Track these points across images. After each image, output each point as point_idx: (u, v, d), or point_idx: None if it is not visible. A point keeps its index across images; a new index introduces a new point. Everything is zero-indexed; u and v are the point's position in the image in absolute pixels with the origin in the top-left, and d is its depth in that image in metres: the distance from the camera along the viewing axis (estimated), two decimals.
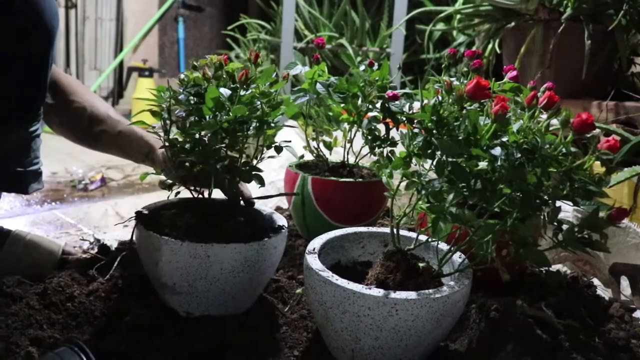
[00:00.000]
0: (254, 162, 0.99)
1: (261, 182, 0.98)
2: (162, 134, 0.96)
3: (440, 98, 0.80)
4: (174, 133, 0.95)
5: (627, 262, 1.23)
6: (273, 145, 1.00)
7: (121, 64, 4.17)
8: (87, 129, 1.17)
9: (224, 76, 0.94)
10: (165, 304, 0.97)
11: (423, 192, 0.78)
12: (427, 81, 0.95)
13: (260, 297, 1.03)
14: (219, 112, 0.90)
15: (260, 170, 0.98)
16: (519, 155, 0.75)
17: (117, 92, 4.22)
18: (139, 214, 0.98)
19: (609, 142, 0.72)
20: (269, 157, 1.01)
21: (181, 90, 0.93)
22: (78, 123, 1.17)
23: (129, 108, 4.08)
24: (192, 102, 0.92)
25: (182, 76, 0.96)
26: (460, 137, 0.77)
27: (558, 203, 0.78)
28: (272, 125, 0.96)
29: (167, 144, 0.95)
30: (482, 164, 0.75)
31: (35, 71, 1.02)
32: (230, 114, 0.88)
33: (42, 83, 1.04)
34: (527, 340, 0.89)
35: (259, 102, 0.93)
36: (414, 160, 0.85)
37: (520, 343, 0.88)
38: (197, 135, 0.93)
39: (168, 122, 0.94)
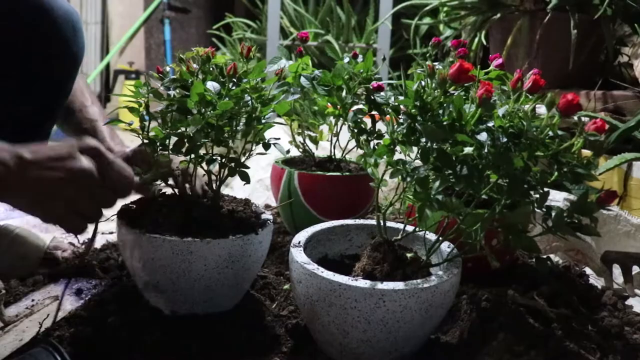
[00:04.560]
0: (242, 158, 0.97)
1: (246, 178, 0.95)
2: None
3: (423, 83, 0.78)
4: (152, 129, 0.92)
5: (619, 250, 1.22)
6: (261, 142, 0.98)
7: (107, 67, 4.13)
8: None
9: (212, 69, 0.92)
10: (149, 303, 0.94)
11: (408, 179, 0.76)
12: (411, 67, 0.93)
13: (247, 294, 1.01)
14: (205, 108, 0.87)
15: (246, 167, 0.95)
16: (505, 139, 0.73)
17: (104, 96, 4.18)
18: (120, 212, 0.95)
19: (596, 123, 0.71)
20: (257, 153, 0.99)
21: (160, 84, 0.91)
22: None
23: (117, 112, 4.04)
24: (175, 95, 0.90)
25: (167, 69, 0.94)
26: (445, 123, 0.75)
27: (547, 189, 0.77)
28: (263, 121, 0.93)
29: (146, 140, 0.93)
30: (468, 150, 0.74)
31: (55, 96, 1.06)
32: (217, 109, 0.86)
33: (58, 107, 1.09)
34: (519, 330, 0.88)
35: (248, 98, 0.90)
36: (399, 150, 0.83)
37: (512, 332, 0.87)
38: (181, 130, 0.91)
39: (147, 118, 0.92)
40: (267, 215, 1.00)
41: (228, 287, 0.92)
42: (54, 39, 1.01)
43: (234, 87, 0.89)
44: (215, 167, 0.93)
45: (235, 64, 0.90)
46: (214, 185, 0.97)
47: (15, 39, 0.97)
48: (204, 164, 0.92)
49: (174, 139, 0.90)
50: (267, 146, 0.97)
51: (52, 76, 1.04)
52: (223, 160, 0.93)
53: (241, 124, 0.91)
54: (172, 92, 0.91)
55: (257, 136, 0.96)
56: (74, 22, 1.04)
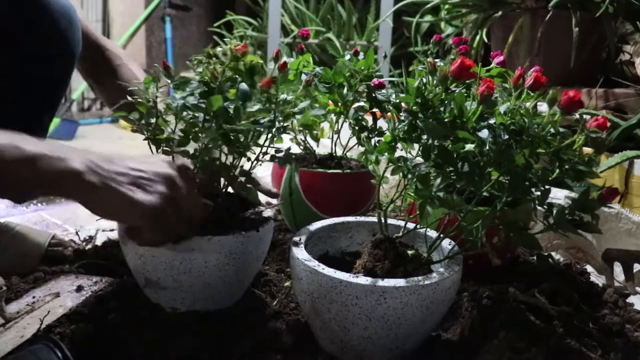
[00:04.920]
0: (252, 165, 0.95)
1: (254, 197, 0.95)
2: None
3: (424, 80, 0.78)
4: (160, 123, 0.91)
5: (620, 248, 1.22)
6: (270, 154, 0.96)
7: None
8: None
9: (241, 69, 0.90)
10: (149, 300, 0.94)
11: (409, 176, 0.76)
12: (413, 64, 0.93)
13: (248, 291, 1.01)
14: (222, 121, 0.85)
15: (256, 184, 0.95)
16: (506, 137, 0.73)
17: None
18: None
19: (597, 120, 0.70)
20: (268, 161, 0.98)
21: (169, 83, 0.90)
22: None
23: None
24: (192, 102, 0.88)
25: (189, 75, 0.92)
26: (446, 120, 0.75)
27: (548, 186, 0.77)
28: (282, 132, 0.92)
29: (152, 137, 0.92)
30: (469, 147, 0.73)
31: (52, 89, 1.07)
32: (240, 124, 0.84)
33: (57, 100, 1.10)
34: (520, 327, 0.88)
35: (273, 110, 0.89)
36: (400, 147, 0.83)
37: (513, 330, 0.87)
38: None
39: (154, 114, 0.91)
40: (268, 213, 1.00)
41: (229, 284, 0.92)
42: (49, 32, 1.00)
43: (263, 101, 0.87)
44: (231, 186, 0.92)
45: (272, 80, 0.86)
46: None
47: (11, 33, 0.97)
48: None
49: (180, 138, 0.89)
50: (274, 159, 0.96)
51: (49, 70, 1.04)
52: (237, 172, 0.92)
53: (261, 138, 0.90)
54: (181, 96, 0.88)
55: (271, 145, 0.95)
56: (70, 16, 1.04)
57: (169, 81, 0.91)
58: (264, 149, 0.94)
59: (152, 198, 0.78)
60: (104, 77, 1.20)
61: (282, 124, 0.90)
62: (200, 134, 0.87)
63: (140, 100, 0.90)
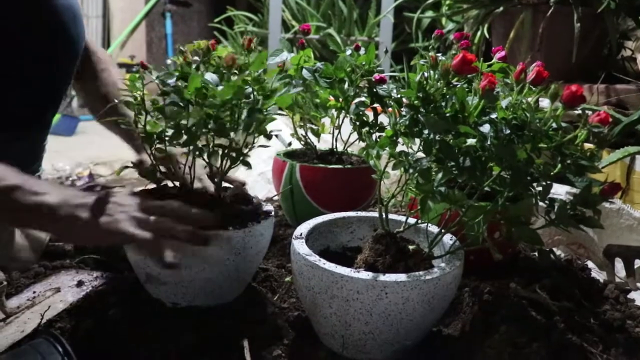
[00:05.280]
0: (244, 150, 0.96)
1: (247, 164, 0.95)
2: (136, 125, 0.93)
3: (426, 75, 0.78)
4: (147, 122, 0.92)
5: (621, 244, 1.21)
6: (263, 134, 0.97)
7: None
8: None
9: (214, 61, 0.91)
10: (150, 295, 0.94)
11: (411, 171, 0.76)
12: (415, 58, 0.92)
13: (249, 287, 1.01)
14: (203, 100, 0.86)
15: (247, 155, 0.95)
16: (508, 131, 0.73)
17: None
18: None
19: (599, 115, 0.70)
20: (259, 146, 0.98)
21: (154, 77, 0.91)
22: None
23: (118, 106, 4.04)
24: (171, 87, 0.89)
25: (168, 61, 0.93)
26: (448, 115, 0.75)
27: (550, 181, 0.76)
28: (265, 114, 0.92)
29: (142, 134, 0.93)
30: (471, 141, 0.73)
31: (59, 85, 1.09)
32: (216, 99, 0.85)
33: (60, 95, 1.11)
34: (521, 322, 0.88)
35: (250, 89, 0.90)
36: (402, 142, 0.83)
37: (514, 325, 0.87)
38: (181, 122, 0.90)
39: (142, 111, 0.91)
40: (269, 208, 1.00)
41: (229, 279, 0.92)
42: (54, 27, 1.01)
43: (233, 78, 0.88)
44: (217, 161, 0.92)
45: (234, 56, 0.89)
46: (215, 178, 0.97)
47: (15, 28, 0.97)
48: (205, 156, 0.91)
49: (171, 131, 0.89)
50: (269, 137, 0.96)
51: (52, 65, 1.04)
52: (225, 151, 0.92)
53: (243, 115, 0.91)
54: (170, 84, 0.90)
55: (259, 128, 0.95)
56: (74, 10, 1.05)
57: (154, 78, 0.91)
58: (250, 133, 0.94)
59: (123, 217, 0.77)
60: (86, 79, 1.22)
61: (261, 104, 0.91)
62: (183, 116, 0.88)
63: (128, 99, 0.91)
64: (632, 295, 1.08)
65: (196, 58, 0.91)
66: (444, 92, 0.76)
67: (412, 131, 0.77)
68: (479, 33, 2.18)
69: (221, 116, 0.88)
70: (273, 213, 0.98)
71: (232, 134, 0.91)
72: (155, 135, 0.92)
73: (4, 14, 0.96)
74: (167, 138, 0.90)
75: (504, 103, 0.75)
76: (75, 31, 1.06)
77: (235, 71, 0.89)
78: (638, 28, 1.92)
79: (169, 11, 4.35)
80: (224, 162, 0.94)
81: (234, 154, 0.93)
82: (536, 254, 1.10)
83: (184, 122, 0.88)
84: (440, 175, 0.75)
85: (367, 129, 1.15)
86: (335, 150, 1.35)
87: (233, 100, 0.87)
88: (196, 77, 0.85)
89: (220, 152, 0.92)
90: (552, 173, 0.74)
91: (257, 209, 0.99)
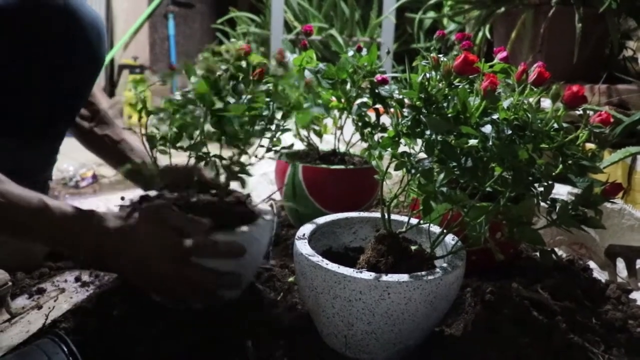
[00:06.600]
0: (253, 159, 0.95)
1: (243, 185, 0.94)
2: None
3: (428, 75, 0.78)
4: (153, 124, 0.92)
5: (623, 244, 1.22)
6: (273, 149, 0.96)
7: (112, 61, 4.13)
8: (93, 129, 1.24)
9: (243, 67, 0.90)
10: (152, 297, 0.95)
11: (413, 172, 0.76)
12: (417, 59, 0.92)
13: (252, 286, 1.01)
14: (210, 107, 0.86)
15: (248, 174, 0.94)
16: (509, 132, 0.73)
17: (108, 90, 4.18)
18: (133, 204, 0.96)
19: (601, 115, 0.71)
20: (269, 157, 0.98)
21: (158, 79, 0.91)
22: (87, 121, 1.24)
23: (121, 107, 4.05)
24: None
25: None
26: (450, 115, 0.75)
27: (551, 182, 0.77)
28: (281, 129, 0.92)
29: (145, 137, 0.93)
30: (472, 142, 0.73)
31: (76, 99, 1.11)
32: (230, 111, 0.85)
33: (77, 109, 1.14)
34: (523, 322, 0.88)
35: (270, 103, 0.89)
36: (404, 142, 0.83)
37: (516, 325, 0.87)
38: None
39: (145, 114, 0.91)
40: (267, 210, 1.00)
41: None
42: (80, 45, 1.03)
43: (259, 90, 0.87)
44: (220, 176, 0.92)
45: (263, 70, 0.88)
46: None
47: (41, 42, 0.99)
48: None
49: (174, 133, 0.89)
50: (279, 154, 0.96)
51: (74, 79, 1.06)
52: (230, 162, 0.92)
53: (257, 128, 0.90)
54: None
55: (272, 141, 0.95)
56: (99, 29, 1.07)
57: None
58: (264, 146, 0.94)
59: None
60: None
61: (280, 121, 0.90)
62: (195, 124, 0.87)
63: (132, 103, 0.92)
64: (633, 295, 1.08)
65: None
66: (446, 93, 0.77)
67: (414, 132, 0.78)
68: (480, 34, 2.18)
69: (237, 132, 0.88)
70: (275, 214, 0.98)
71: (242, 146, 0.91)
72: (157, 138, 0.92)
73: (30, 28, 0.97)
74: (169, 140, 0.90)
75: (505, 104, 0.75)
76: (99, 48, 1.08)
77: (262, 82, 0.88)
78: (639, 28, 1.92)
79: (172, 12, 4.35)
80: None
81: (236, 168, 0.93)
82: (538, 254, 1.10)
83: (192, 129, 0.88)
84: (442, 175, 0.75)
85: (369, 129, 1.15)
86: (337, 151, 1.35)
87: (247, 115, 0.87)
88: (202, 85, 0.84)
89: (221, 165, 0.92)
90: (553, 173, 0.74)
91: (259, 209, 0.99)
